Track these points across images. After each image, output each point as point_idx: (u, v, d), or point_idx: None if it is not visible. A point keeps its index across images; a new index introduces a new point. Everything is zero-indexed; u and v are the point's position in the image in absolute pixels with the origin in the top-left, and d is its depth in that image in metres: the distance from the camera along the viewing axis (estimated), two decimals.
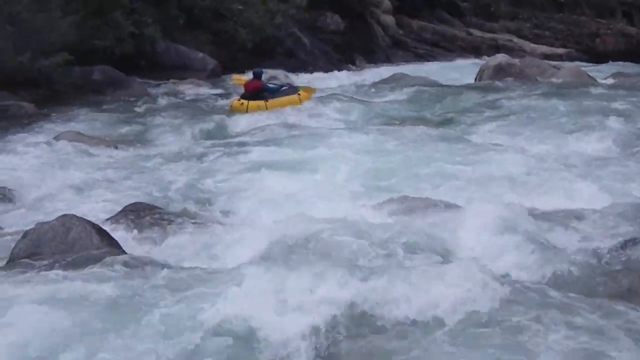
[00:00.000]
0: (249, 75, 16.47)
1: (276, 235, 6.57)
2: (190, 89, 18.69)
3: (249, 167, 10.02)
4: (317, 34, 24.27)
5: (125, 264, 5.83)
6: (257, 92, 15.22)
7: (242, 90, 15.62)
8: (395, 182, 9.19)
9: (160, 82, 19.51)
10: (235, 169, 10.00)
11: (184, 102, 17.00)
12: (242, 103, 14.91)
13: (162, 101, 16.69)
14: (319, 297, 5.03)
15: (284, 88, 16.37)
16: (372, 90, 18.26)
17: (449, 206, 7.64)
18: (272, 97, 15.32)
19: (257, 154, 10.85)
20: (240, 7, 22.70)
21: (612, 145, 11.17)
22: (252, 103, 14.91)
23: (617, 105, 13.85)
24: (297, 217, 6.90)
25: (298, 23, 23.92)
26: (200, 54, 21.16)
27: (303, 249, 6.25)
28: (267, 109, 14.79)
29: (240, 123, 13.98)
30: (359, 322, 4.89)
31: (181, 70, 20.41)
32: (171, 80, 19.68)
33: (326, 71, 22.94)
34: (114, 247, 6.57)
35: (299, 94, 15.72)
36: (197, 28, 22.19)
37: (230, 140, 12.44)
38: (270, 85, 16.15)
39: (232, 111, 14.96)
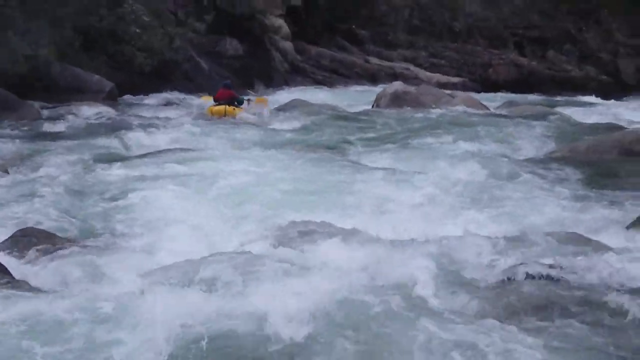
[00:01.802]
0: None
1: (164, 261, 6.52)
2: (85, 112, 18.30)
3: (141, 190, 9.90)
4: (216, 59, 24.23)
5: (12, 289, 5.70)
6: (231, 100, 17.71)
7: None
8: (290, 207, 9.20)
9: (56, 104, 19.04)
10: (128, 193, 9.85)
11: (79, 124, 16.65)
12: (223, 107, 17.29)
13: (56, 124, 16.30)
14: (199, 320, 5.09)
15: (247, 98, 18.97)
16: (272, 115, 18.32)
17: (342, 231, 7.72)
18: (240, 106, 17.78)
19: (149, 177, 10.74)
20: (138, 30, 22.47)
21: (503, 171, 11.53)
22: (230, 108, 17.36)
23: (507, 132, 14.34)
24: (187, 243, 6.86)
25: (197, 47, 23.84)
26: (97, 77, 20.79)
27: (191, 274, 6.18)
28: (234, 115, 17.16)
29: (132, 145, 13.86)
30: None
31: (77, 93, 19.96)
32: (66, 103, 19.27)
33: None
34: (2, 272, 6.38)
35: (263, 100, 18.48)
36: (94, 50, 21.83)
37: (123, 162, 12.24)
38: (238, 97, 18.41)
39: (211, 116, 17.16)
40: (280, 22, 26.77)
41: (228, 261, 6.32)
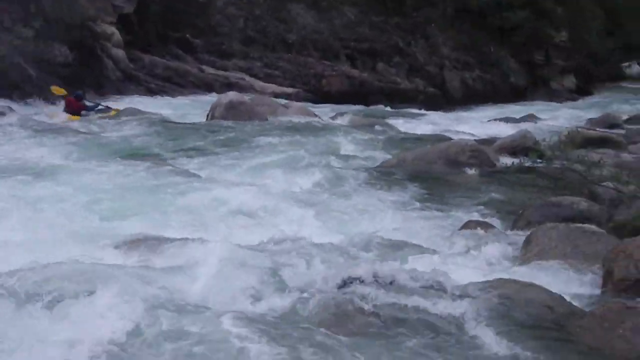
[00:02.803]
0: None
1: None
2: None
3: None
4: (44, 66, 23.35)
5: None
6: (78, 110, 19.05)
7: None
8: (120, 218, 9.04)
9: None
10: None
11: None
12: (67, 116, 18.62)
13: None
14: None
15: (99, 107, 19.77)
16: (102, 124, 17.83)
17: (180, 243, 7.63)
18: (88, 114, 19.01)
19: None
20: None
21: (334, 180, 11.77)
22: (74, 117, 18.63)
23: (339, 142, 14.65)
24: (29, 261, 6.58)
25: (24, 54, 22.90)
26: None
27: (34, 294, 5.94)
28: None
29: None
30: None
31: None
32: None
33: (54, 103, 22.18)
34: None
35: (112, 112, 19.13)
36: None
37: None
38: (89, 104, 19.68)
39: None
40: (112, 29, 26.14)
41: (47, 273, 6.14)
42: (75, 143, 14.68)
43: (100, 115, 19.19)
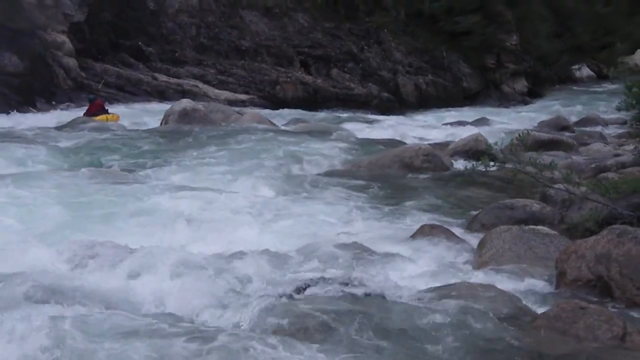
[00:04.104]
0: None
1: None
2: None
3: None
4: None
5: None
6: (103, 110, 20.73)
7: None
8: (74, 227, 8.91)
9: None
10: None
11: None
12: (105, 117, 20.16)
13: None
14: None
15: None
16: (53, 134, 17.60)
17: (130, 250, 7.56)
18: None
19: None
20: None
21: (289, 186, 11.78)
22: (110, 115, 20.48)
23: (294, 149, 14.64)
24: None
25: None
26: None
27: None
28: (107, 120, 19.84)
29: None
30: None
31: None
32: None
33: (5, 113, 21.96)
34: None
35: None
36: None
37: None
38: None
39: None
40: (63, 38, 25.85)
41: None
42: (26, 152, 14.46)
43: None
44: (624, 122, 15.03)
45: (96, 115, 20.26)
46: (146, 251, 7.38)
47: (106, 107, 21.51)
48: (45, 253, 7.58)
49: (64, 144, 15.95)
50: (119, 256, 7.32)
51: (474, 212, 10.12)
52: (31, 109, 23.17)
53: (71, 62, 25.80)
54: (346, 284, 6.45)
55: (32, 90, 23.81)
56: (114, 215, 9.59)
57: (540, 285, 7.17)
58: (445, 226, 9.28)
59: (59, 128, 18.65)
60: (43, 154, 14.51)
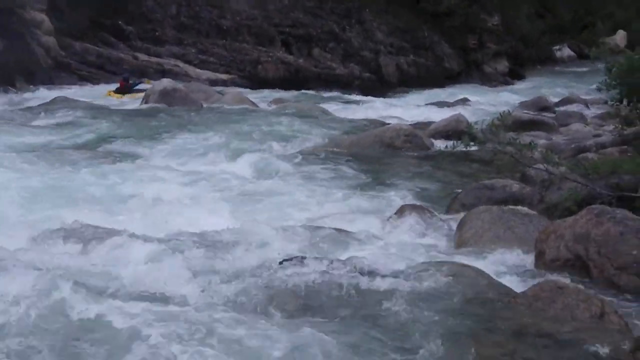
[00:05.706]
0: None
1: None
2: None
3: None
4: None
5: None
6: (128, 89, 21.34)
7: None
8: (63, 209, 8.81)
9: None
10: None
11: None
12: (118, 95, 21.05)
13: None
14: None
15: (139, 86, 21.73)
16: (34, 114, 17.45)
17: (110, 231, 7.52)
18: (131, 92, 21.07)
19: None
20: None
21: (270, 166, 11.77)
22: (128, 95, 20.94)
23: (276, 129, 14.62)
24: None
25: None
26: None
27: None
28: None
29: None
30: None
31: None
32: None
33: None
34: None
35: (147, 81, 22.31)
36: None
37: None
38: (132, 83, 21.97)
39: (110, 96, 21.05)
40: (42, 16, 25.58)
41: None
42: (6, 132, 14.34)
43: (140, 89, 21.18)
44: (605, 102, 15.04)
45: (120, 92, 21.27)
46: (124, 232, 7.36)
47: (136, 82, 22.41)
48: (14, 234, 7.56)
49: (43, 124, 15.84)
50: (95, 236, 7.29)
51: (455, 193, 10.14)
52: (10, 88, 22.93)
53: (50, 41, 25.53)
54: (323, 264, 6.46)
55: (11, 69, 23.56)
56: (91, 195, 9.55)
57: (519, 265, 7.22)
58: (426, 206, 9.29)
59: (37, 107, 18.46)
60: (21, 134, 14.39)
